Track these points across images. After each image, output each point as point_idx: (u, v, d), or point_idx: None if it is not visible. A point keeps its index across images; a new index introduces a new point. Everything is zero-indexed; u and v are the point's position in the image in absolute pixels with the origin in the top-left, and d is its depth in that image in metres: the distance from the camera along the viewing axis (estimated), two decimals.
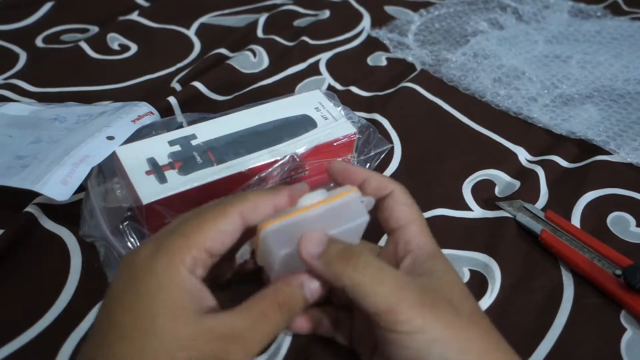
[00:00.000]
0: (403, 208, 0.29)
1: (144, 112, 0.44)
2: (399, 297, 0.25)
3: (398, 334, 0.25)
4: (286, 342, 0.32)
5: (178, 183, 0.35)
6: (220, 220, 0.25)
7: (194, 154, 0.37)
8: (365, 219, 0.28)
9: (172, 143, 0.38)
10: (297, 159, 0.38)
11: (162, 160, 0.36)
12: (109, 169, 0.38)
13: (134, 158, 0.36)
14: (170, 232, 0.25)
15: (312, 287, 0.27)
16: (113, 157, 0.37)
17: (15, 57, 0.57)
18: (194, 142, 0.38)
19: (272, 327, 0.25)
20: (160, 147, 0.37)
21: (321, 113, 0.41)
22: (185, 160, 0.36)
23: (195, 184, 0.35)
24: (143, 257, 0.24)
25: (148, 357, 0.22)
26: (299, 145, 0.38)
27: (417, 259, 0.28)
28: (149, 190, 0.34)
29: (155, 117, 0.45)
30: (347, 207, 0.28)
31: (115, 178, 0.37)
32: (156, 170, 0.35)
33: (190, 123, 0.41)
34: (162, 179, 0.35)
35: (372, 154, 0.43)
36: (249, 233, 0.27)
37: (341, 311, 0.31)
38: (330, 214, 0.27)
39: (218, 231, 0.25)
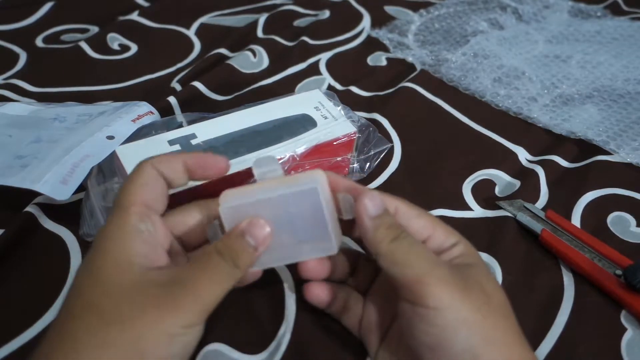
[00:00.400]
0: (417, 220, 0.29)
1: (143, 111, 0.44)
2: (430, 271, 0.25)
3: (425, 309, 0.25)
4: (285, 339, 0.32)
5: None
6: (139, 177, 0.27)
7: None
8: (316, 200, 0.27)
9: (172, 142, 0.38)
10: (297, 158, 0.38)
11: None
12: (109, 169, 0.38)
13: (134, 158, 0.36)
14: (114, 204, 0.27)
15: (256, 234, 0.27)
16: (113, 157, 0.37)
17: (15, 57, 0.57)
18: (193, 142, 0.38)
19: (221, 275, 0.26)
20: (160, 146, 0.37)
21: (321, 112, 0.41)
22: None
23: (195, 183, 0.35)
24: (100, 229, 0.27)
25: (94, 304, 0.24)
26: (299, 144, 0.38)
27: (451, 254, 0.28)
28: None
29: (155, 116, 0.45)
30: (304, 196, 0.27)
31: (115, 178, 0.37)
32: None
33: (190, 123, 0.41)
34: None
35: (372, 153, 0.43)
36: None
37: (355, 294, 0.32)
38: (288, 200, 0.27)
39: (140, 185, 0.27)
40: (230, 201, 0.28)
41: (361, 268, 0.33)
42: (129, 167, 0.35)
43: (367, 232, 0.27)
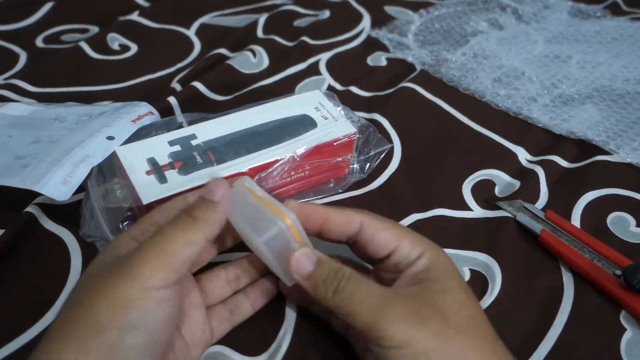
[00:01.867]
0: (383, 234, 0.28)
1: (144, 112, 0.44)
2: (380, 314, 0.25)
3: (384, 349, 0.25)
4: (286, 341, 0.32)
5: (178, 183, 0.35)
6: (189, 253, 0.26)
7: (194, 153, 0.37)
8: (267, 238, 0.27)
9: (172, 143, 0.38)
10: (297, 159, 0.38)
11: (162, 160, 0.36)
12: (109, 169, 0.38)
13: (134, 158, 0.36)
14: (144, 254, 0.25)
15: (212, 188, 0.27)
16: (113, 157, 0.37)
17: (15, 57, 0.57)
18: (194, 142, 0.38)
19: (179, 229, 0.26)
20: (160, 147, 0.37)
21: (321, 113, 0.41)
22: (185, 160, 0.36)
23: (196, 184, 0.35)
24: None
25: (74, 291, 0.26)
26: (299, 145, 0.38)
27: (415, 269, 0.28)
28: (149, 190, 0.34)
29: (155, 117, 0.45)
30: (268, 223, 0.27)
31: (115, 178, 0.37)
32: (156, 170, 0.35)
33: (190, 123, 0.41)
34: (162, 179, 0.35)
35: (372, 153, 0.43)
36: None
37: None
38: (258, 217, 0.28)
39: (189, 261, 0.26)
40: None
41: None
42: (129, 168, 0.35)
43: (308, 291, 0.27)
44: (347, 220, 0.29)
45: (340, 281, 0.26)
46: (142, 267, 0.24)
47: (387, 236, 0.28)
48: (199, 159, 0.37)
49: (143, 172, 0.35)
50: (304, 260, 0.27)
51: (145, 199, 0.34)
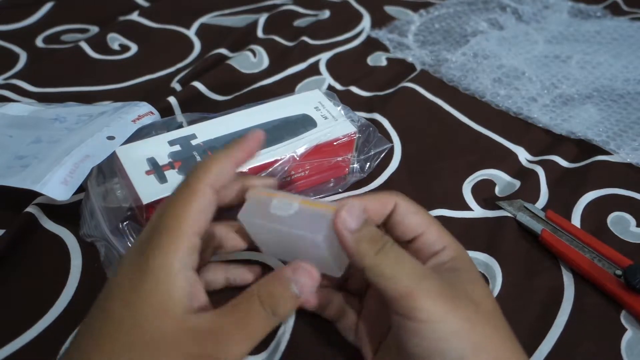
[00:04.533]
0: (413, 217, 0.29)
1: (144, 112, 0.44)
2: (419, 283, 0.25)
3: (417, 323, 0.24)
4: (285, 339, 0.32)
5: (178, 182, 0.35)
6: (196, 201, 0.25)
7: (193, 153, 0.37)
8: (318, 237, 0.26)
9: (172, 143, 0.38)
10: (297, 159, 0.38)
11: (162, 160, 0.36)
12: (109, 169, 0.38)
13: (134, 158, 0.36)
14: (161, 228, 0.25)
15: (303, 282, 0.25)
16: (113, 157, 0.37)
17: (15, 57, 0.57)
18: (193, 142, 0.38)
19: (259, 325, 0.25)
20: (160, 147, 0.37)
21: (321, 112, 0.41)
22: (185, 160, 0.36)
23: None
24: (143, 259, 0.24)
25: (133, 350, 0.23)
26: (299, 144, 0.38)
27: (440, 259, 0.28)
28: (149, 190, 0.34)
29: (155, 117, 0.45)
30: (316, 219, 0.27)
31: (115, 178, 0.37)
32: (156, 170, 0.35)
33: (190, 123, 0.41)
34: (162, 179, 0.35)
35: (372, 153, 0.43)
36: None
37: (353, 300, 0.31)
38: (305, 215, 0.27)
39: (198, 212, 0.25)
40: (250, 213, 0.28)
41: (355, 272, 0.32)
42: (129, 168, 0.35)
43: (349, 247, 0.26)
44: (381, 206, 0.29)
45: (386, 244, 0.26)
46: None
47: (417, 220, 0.28)
48: (198, 158, 0.37)
49: (143, 171, 0.35)
50: (354, 216, 0.26)
51: (145, 199, 0.34)
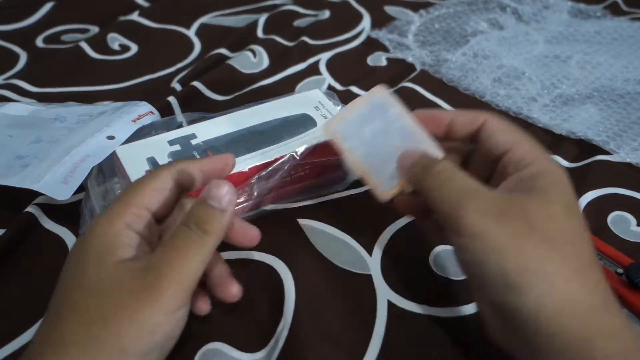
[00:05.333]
0: (502, 134, 0.29)
1: (144, 111, 0.44)
2: (464, 202, 0.25)
3: (460, 237, 0.25)
4: (283, 336, 0.32)
5: None
6: (152, 182, 0.28)
7: (193, 153, 0.37)
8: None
9: (172, 143, 0.38)
10: (297, 158, 0.38)
11: (162, 159, 0.36)
12: (109, 169, 0.38)
13: (134, 158, 0.36)
14: (114, 200, 0.28)
15: (217, 194, 0.27)
16: (113, 157, 0.37)
17: (15, 57, 0.57)
18: (193, 142, 0.38)
19: (195, 247, 0.26)
20: (160, 146, 0.37)
21: (321, 112, 0.41)
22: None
23: None
24: (92, 224, 0.27)
25: (78, 303, 0.25)
26: (299, 144, 0.38)
27: (522, 176, 0.27)
28: None
29: (155, 116, 0.45)
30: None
31: (115, 178, 0.37)
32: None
33: (190, 123, 0.41)
34: None
35: None
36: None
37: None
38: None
39: (151, 189, 0.28)
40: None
41: None
42: (129, 167, 0.35)
43: (409, 178, 0.29)
44: (471, 119, 0.30)
45: (437, 165, 0.28)
46: (166, 294, 0.25)
47: (504, 137, 0.29)
48: (198, 157, 0.37)
49: (143, 171, 0.35)
50: (411, 153, 0.30)
51: None
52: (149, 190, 0.28)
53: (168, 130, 0.39)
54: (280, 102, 0.43)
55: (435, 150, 0.31)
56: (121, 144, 0.38)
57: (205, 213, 0.27)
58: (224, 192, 0.28)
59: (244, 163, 0.37)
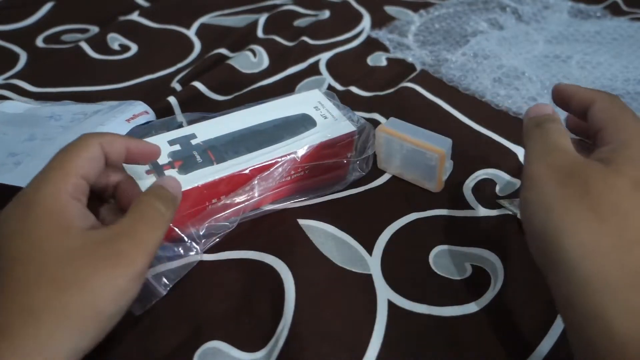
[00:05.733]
0: (598, 114, 0.29)
1: (138, 111, 0.44)
2: (538, 155, 0.28)
3: (521, 187, 0.28)
4: (283, 336, 0.32)
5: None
6: (85, 150, 0.28)
7: (193, 153, 0.37)
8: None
9: (172, 142, 0.38)
10: (298, 159, 0.38)
11: (162, 159, 0.36)
12: None
13: None
14: (48, 168, 0.28)
15: (171, 184, 0.31)
16: None
17: (15, 57, 0.57)
18: (193, 142, 0.38)
19: (157, 219, 0.28)
20: (159, 145, 0.37)
21: (321, 112, 0.41)
22: (185, 159, 0.36)
23: (196, 184, 0.35)
24: (29, 192, 0.27)
25: (48, 272, 0.25)
26: (299, 144, 0.38)
27: (607, 148, 0.27)
28: None
29: (150, 116, 0.45)
30: None
31: None
32: (156, 169, 0.35)
33: (190, 122, 0.41)
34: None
35: (371, 153, 0.43)
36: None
37: None
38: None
39: (86, 159, 0.28)
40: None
41: None
42: (128, 167, 0.35)
43: (525, 119, 0.32)
44: (584, 98, 0.31)
45: (545, 122, 0.30)
46: (138, 260, 0.26)
47: (600, 117, 0.29)
48: (198, 158, 0.36)
49: (143, 171, 0.35)
50: (538, 109, 0.32)
51: None
52: (85, 159, 0.28)
53: (168, 130, 0.39)
54: (280, 102, 0.42)
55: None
56: None
57: (164, 195, 0.30)
58: (175, 183, 0.31)
59: (244, 163, 0.37)
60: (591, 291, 0.23)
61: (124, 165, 0.33)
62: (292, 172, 0.39)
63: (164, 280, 0.33)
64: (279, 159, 0.37)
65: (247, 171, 0.36)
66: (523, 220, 0.28)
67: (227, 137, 0.39)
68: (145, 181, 0.35)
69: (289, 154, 0.38)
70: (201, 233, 0.36)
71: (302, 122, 0.40)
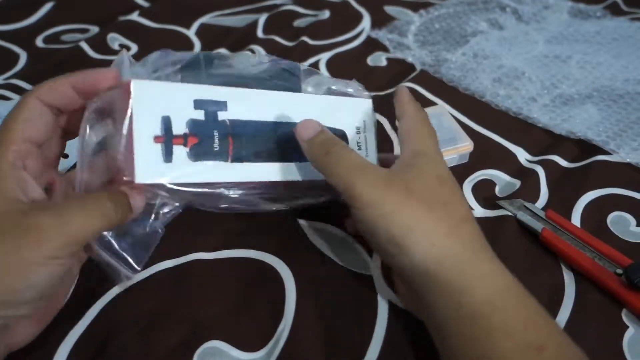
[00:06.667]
0: (404, 123, 0.33)
1: None
2: (354, 178, 0.29)
3: (354, 209, 0.29)
4: (284, 336, 0.32)
5: (182, 170, 0.29)
6: (22, 112, 0.27)
7: (214, 133, 0.30)
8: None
9: (197, 105, 0.30)
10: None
11: (178, 126, 0.29)
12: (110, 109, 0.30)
13: (148, 105, 0.28)
14: None
15: (139, 204, 0.29)
16: (119, 90, 0.29)
17: (15, 57, 0.57)
18: (221, 115, 0.31)
19: (96, 210, 0.27)
20: (182, 104, 0.30)
21: (358, 139, 0.36)
22: (202, 139, 0.30)
23: (199, 179, 0.30)
24: None
25: None
26: (314, 174, 0.33)
27: (406, 154, 0.31)
28: (149, 167, 0.28)
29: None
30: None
31: (109, 120, 0.29)
32: (167, 138, 0.29)
33: (221, 82, 0.32)
34: (168, 156, 0.29)
35: None
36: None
37: None
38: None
39: (24, 121, 0.27)
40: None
41: None
42: (138, 120, 0.28)
43: (306, 152, 0.31)
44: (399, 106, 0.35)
45: (333, 147, 0.30)
46: (51, 237, 0.25)
47: (406, 127, 0.33)
48: (217, 143, 0.30)
49: (151, 136, 0.28)
50: (309, 126, 0.32)
51: (140, 177, 0.27)
52: (23, 122, 0.27)
53: (196, 80, 0.31)
54: (328, 101, 0.36)
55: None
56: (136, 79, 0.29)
57: (123, 202, 0.28)
58: (141, 203, 0.29)
59: (257, 173, 0.32)
60: (448, 268, 0.27)
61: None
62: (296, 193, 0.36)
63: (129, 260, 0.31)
64: (293, 181, 0.33)
65: (254, 183, 0.32)
66: (371, 243, 0.30)
67: (256, 127, 0.32)
68: (151, 148, 0.28)
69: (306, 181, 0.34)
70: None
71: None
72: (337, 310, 0.33)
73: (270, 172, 0.33)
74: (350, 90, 0.39)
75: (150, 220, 0.32)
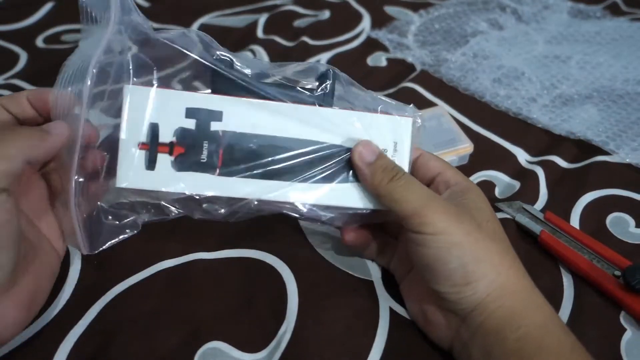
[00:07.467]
0: (435, 161, 0.34)
1: None
2: (425, 204, 0.29)
3: (423, 235, 0.28)
4: (285, 339, 0.32)
5: (165, 177, 0.29)
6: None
7: (204, 144, 0.30)
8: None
9: (189, 113, 0.30)
10: (314, 211, 0.31)
11: (165, 133, 0.29)
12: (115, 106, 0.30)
13: (140, 111, 0.29)
14: None
15: (57, 126, 0.29)
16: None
17: (15, 57, 0.57)
18: (213, 126, 0.30)
19: (30, 138, 0.28)
20: (172, 112, 0.30)
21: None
22: (189, 149, 0.30)
23: (180, 189, 0.29)
24: None
25: None
26: (323, 199, 0.31)
27: (454, 190, 0.32)
28: (130, 172, 0.29)
29: None
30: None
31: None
32: (151, 146, 0.29)
33: (217, 91, 0.31)
34: (152, 163, 0.29)
35: None
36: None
37: (389, 238, 0.36)
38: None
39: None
40: None
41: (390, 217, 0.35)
42: (128, 123, 0.29)
43: (366, 177, 0.31)
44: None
45: (397, 173, 0.30)
46: None
47: (437, 163, 0.33)
48: (204, 155, 0.30)
49: (136, 142, 0.29)
50: (369, 150, 0.31)
51: (121, 181, 0.29)
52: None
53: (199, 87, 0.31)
54: (353, 118, 0.32)
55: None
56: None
57: (44, 131, 0.29)
58: (62, 130, 0.29)
59: (246, 190, 0.30)
60: (509, 296, 0.29)
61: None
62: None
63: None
64: (288, 203, 0.31)
65: (243, 196, 0.30)
66: (431, 268, 0.29)
67: (252, 141, 0.30)
68: (135, 154, 0.29)
69: (306, 207, 0.31)
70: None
71: (345, 168, 0.32)
72: (338, 314, 0.33)
73: (261, 190, 0.30)
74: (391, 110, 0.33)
75: (131, 215, 0.32)
